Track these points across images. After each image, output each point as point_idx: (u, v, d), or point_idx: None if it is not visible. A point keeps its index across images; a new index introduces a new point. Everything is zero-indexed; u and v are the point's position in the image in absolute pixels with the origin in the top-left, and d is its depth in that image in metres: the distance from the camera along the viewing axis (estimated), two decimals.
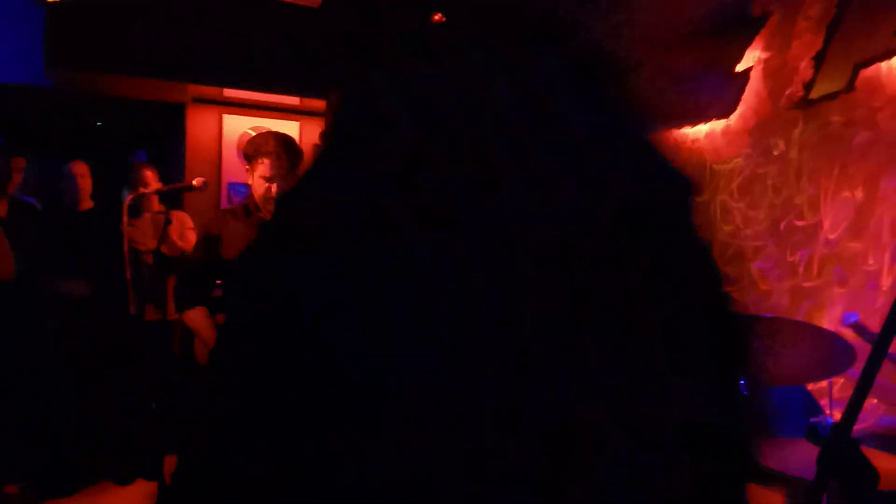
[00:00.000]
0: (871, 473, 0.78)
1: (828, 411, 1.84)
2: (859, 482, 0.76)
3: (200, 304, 2.52)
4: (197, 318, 2.50)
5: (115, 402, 2.81)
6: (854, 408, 0.75)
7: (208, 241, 2.52)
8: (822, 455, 0.76)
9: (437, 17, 0.73)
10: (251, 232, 2.43)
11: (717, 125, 3.28)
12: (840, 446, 0.72)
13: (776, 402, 1.98)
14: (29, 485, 3.34)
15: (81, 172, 3.20)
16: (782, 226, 2.95)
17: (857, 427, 2.41)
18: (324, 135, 1.10)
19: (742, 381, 1.63)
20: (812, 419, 1.75)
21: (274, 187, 2.41)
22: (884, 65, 2.51)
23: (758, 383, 1.66)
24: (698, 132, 3.40)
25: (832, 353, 1.52)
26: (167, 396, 2.71)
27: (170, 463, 3.66)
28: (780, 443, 1.85)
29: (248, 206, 2.51)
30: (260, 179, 2.43)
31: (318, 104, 4.86)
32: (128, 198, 2.53)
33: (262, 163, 2.41)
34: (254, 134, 4.93)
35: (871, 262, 2.60)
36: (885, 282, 2.55)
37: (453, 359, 0.52)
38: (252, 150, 2.44)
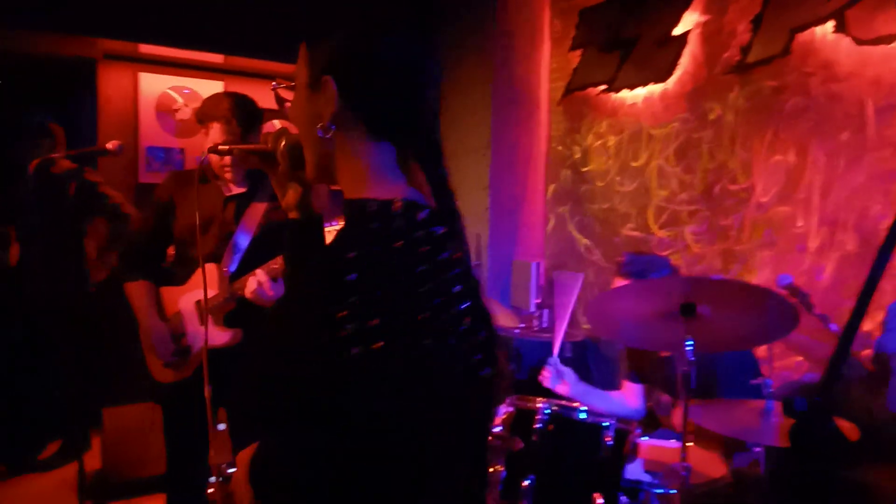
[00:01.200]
0: (843, 443, 0.77)
1: (768, 372, 1.89)
2: (831, 453, 0.74)
3: (147, 276, 2.35)
4: (139, 293, 2.33)
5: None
6: (830, 378, 0.72)
7: (159, 207, 2.34)
8: (796, 428, 0.74)
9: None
10: (208, 199, 2.26)
11: (654, 89, 3.29)
12: (818, 421, 0.69)
13: (719, 363, 2.02)
14: None
15: None
16: (716, 190, 3.00)
17: (783, 384, 2.49)
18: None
19: (691, 344, 1.64)
20: (752, 381, 1.78)
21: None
22: (818, 29, 2.55)
23: (704, 348, 1.67)
24: (636, 96, 3.39)
25: (777, 316, 1.54)
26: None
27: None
28: (723, 404, 1.88)
29: (204, 172, 2.33)
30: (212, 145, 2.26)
31: (244, 62, 4.58)
32: (34, 162, 2.28)
33: (213, 127, 2.23)
34: (173, 95, 4.65)
35: (799, 224, 2.68)
36: (812, 244, 2.64)
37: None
38: (201, 113, 2.26)
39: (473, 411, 0.88)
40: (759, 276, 2.81)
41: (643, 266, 2.17)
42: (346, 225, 0.89)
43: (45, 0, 3.44)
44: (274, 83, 1.08)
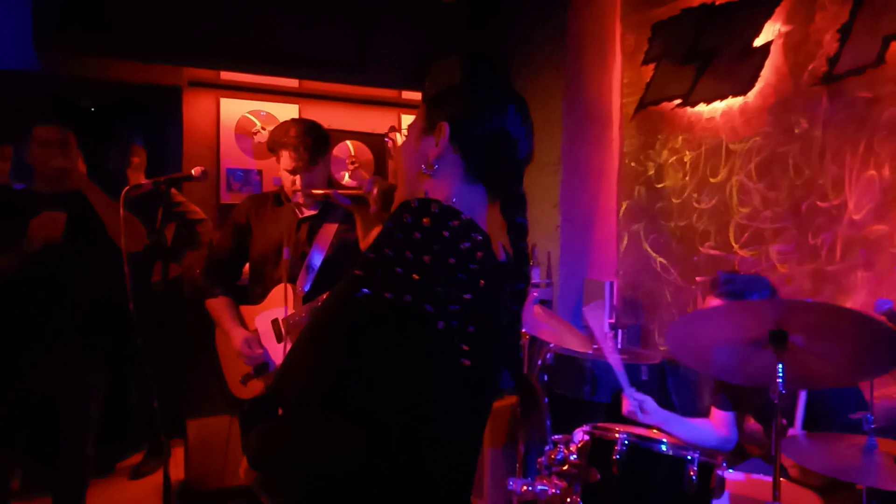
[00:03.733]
0: None
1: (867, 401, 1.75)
2: None
3: (226, 293, 2.46)
4: (220, 307, 2.43)
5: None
6: None
7: (236, 229, 2.45)
8: None
9: None
10: (282, 221, 2.35)
11: (733, 103, 3.16)
12: None
13: (816, 393, 1.89)
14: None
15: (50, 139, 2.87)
16: (804, 207, 2.84)
17: (886, 414, 2.30)
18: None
19: (781, 378, 1.54)
20: (851, 415, 1.66)
21: (298, 179, 2.33)
22: None
23: (795, 383, 1.57)
24: (714, 110, 3.28)
25: (880, 347, 1.43)
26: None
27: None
28: (821, 438, 1.76)
29: (278, 195, 2.44)
30: (284, 171, 2.35)
31: (318, 86, 4.72)
32: (124, 189, 2.42)
33: (283, 154, 2.32)
34: (252, 118, 4.84)
35: None
36: None
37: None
38: (271, 142, 2.36)
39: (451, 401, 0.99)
40: (855, 300, 2.64)
41: (743, 285, 2.03)
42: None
43: (136, 32, 3.65)
44: (388, 130, 1.25)
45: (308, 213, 2.39)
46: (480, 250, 0.96)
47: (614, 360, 2.20)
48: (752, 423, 2.24)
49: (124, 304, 2.23)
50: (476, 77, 1.16)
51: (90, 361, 2.64)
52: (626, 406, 2.17)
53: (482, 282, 0.95)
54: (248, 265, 2.50)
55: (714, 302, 2.06)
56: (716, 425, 2.26)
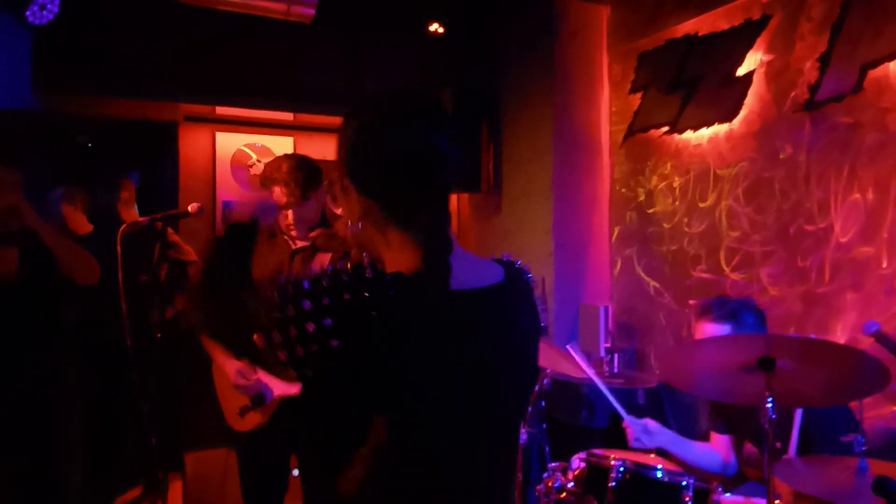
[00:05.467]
0: None
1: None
2: None
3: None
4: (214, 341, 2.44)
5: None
6: None
7: None
8: None
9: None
10: (276, 253, 2.38)
11: (719, 129, 3.23)
12: None
13: (810, 415, 1.92)
14: None
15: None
16: (792, 230, 2.89)
17: (878, 434, 2.33)
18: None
19: (770, 400, 1.57)
20: (843, 438, 1.68)
21: (290, 214, 2.36)
22: (892, 65, 2.47)
23: (785, 404, 1.60)
24: (700, 137, 3.35)
25: (864, 374, 1.46)
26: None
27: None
28: (814, 461, 1.78)
29: (272, 228, 2.48)
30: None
31: (312, 119, 4.79)
32: (121, 227, 2.45)
33: (275, 190, 2.36)
34: (247, 151, 4.90)
35: (885, 266, 2.55)
36: None
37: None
38: (264, 178, 2.40)
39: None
40: (845, 321, 2.68)
41: (735, 307, 2.11)
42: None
43: (133, 70, 3.72)
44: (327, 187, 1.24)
45: (301, 244, 2.43)
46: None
47: (606, 392, 2.22)
48: (749, 446, 2.26)
49: (120, 340, 2.25)
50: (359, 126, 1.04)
51: (62, 396, 2.66)
52: (631, 435, 2.18)
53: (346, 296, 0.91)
54: None
55: (708, 326, 2.10)
56: (718, 449, 2.27)
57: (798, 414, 1.96)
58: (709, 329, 2.07)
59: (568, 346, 2.30)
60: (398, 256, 1.00)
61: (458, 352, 0.95)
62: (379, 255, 1.04)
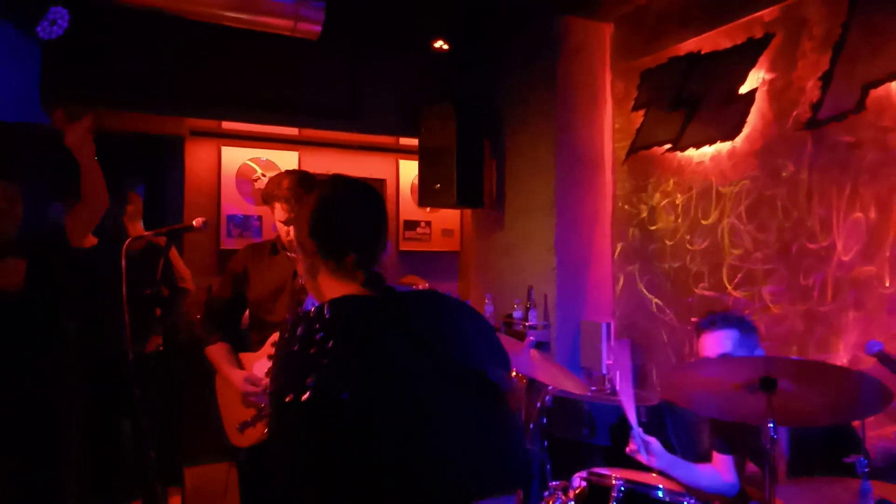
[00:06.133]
0: None
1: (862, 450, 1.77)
2: None
3: (224, 340, 2.48)
4: (219, 353, 2.45)
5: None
6: None
7: (234, 278, 2.49)
8: None
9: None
10: (278, 269, 2.39)
11: (722, 147, 3.25)
12: None
13: (813, 436, 1.90)
14: None
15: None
16: (794, 248, 2.89)
17: (882, 455, 2.31)
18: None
19: (771, 423, 1.57)
20: (846, 459, 1.67)
21: (292, 230, 2.38)
22: (893, 84, 2.48)
23: (787, 423, 1.59)
24: (703, 154, 3.36)
25: (865, 395, 1.46)
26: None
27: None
28: (817, 483, 1.77)
29: (274, 244, 2.49)
30: (279, 222, 2.41)
31: (317, 134, 4.83)
32: (126, 241, 2.47)
33: (276, 207, 2.38)
34: (252, 165, 4.93)
35: (887, 285, 2.54)
36: None
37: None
38: (265, 194, 2.42)
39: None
40: (847, 340, 2.67)
41: (737, 315, 2.13)
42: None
43: (141, 86, 3.76)
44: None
45: None
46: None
47: (627, 398, 2.19)
48: (751, 465, 2.24)
49: (122, 354, 2.26)
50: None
51: (60, 405, 2.65)
52: (631, 444, 2.16)
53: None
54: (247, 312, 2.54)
55: (707, 337, 2.09)
56: (720, 470, 2.25)
57: (783, 433, 1.96)
58: (714, 337, 2.06)
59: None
60: (326, 289, 1.46)
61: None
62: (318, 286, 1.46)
